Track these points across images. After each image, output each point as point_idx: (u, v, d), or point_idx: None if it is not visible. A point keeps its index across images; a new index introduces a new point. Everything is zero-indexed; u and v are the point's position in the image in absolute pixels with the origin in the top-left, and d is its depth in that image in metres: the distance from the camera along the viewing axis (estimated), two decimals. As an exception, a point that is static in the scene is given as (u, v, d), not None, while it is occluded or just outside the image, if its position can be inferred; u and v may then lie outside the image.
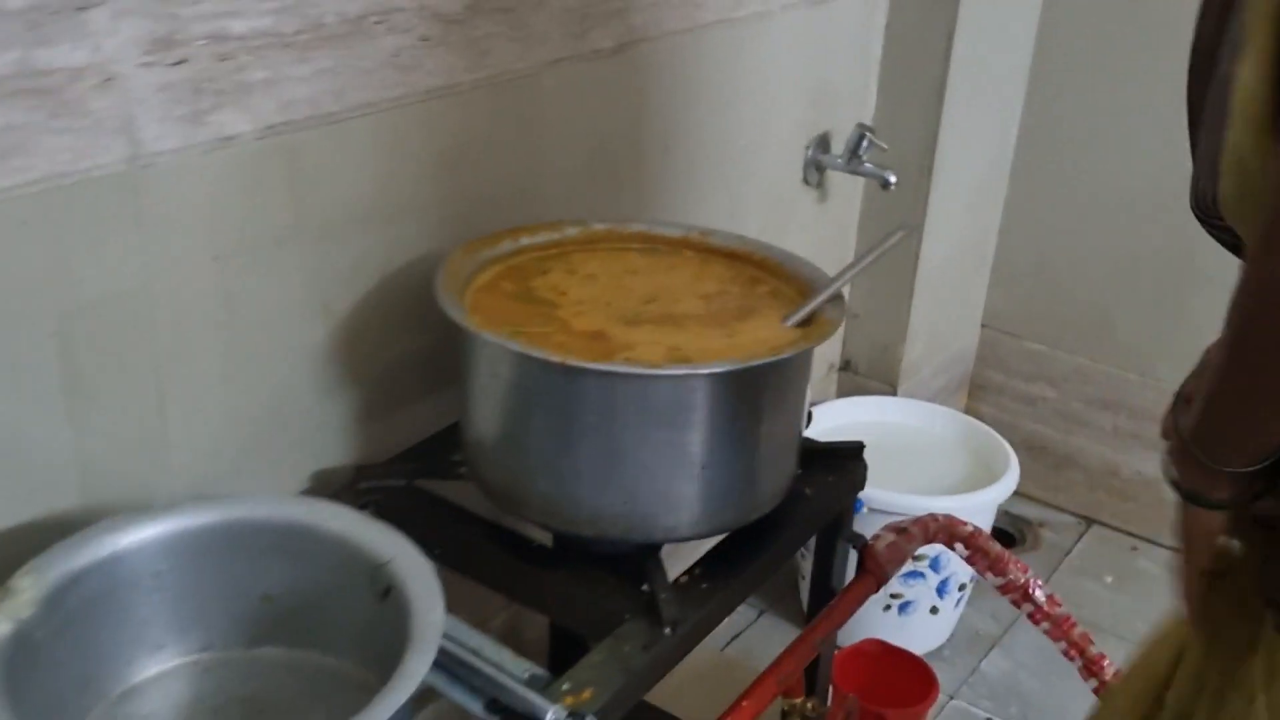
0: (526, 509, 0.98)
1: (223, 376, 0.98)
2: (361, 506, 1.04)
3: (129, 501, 0.93)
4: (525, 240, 1.12)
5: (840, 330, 2.01)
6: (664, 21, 1.34)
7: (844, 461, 1.13)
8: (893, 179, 1.69)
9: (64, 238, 0.84)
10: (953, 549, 1.28)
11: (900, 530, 1.20)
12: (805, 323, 1.01)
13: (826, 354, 2.01)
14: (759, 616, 1.88)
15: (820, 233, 1.82)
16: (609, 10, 1.26)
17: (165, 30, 0.86)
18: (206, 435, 0.98)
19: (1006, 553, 1.28)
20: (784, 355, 0.91)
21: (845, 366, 2.06)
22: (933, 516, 1.25)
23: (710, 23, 1.42)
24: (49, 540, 0.87)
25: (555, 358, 0.88)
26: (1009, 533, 2.16)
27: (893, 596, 1.76)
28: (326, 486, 1.09)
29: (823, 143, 1.73)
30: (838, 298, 1.02)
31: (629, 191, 1.38)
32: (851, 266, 1.02)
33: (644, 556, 0.97)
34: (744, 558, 1.01)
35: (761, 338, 0.97)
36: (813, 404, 1.98)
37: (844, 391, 2.06)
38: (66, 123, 0.82)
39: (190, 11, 0.87)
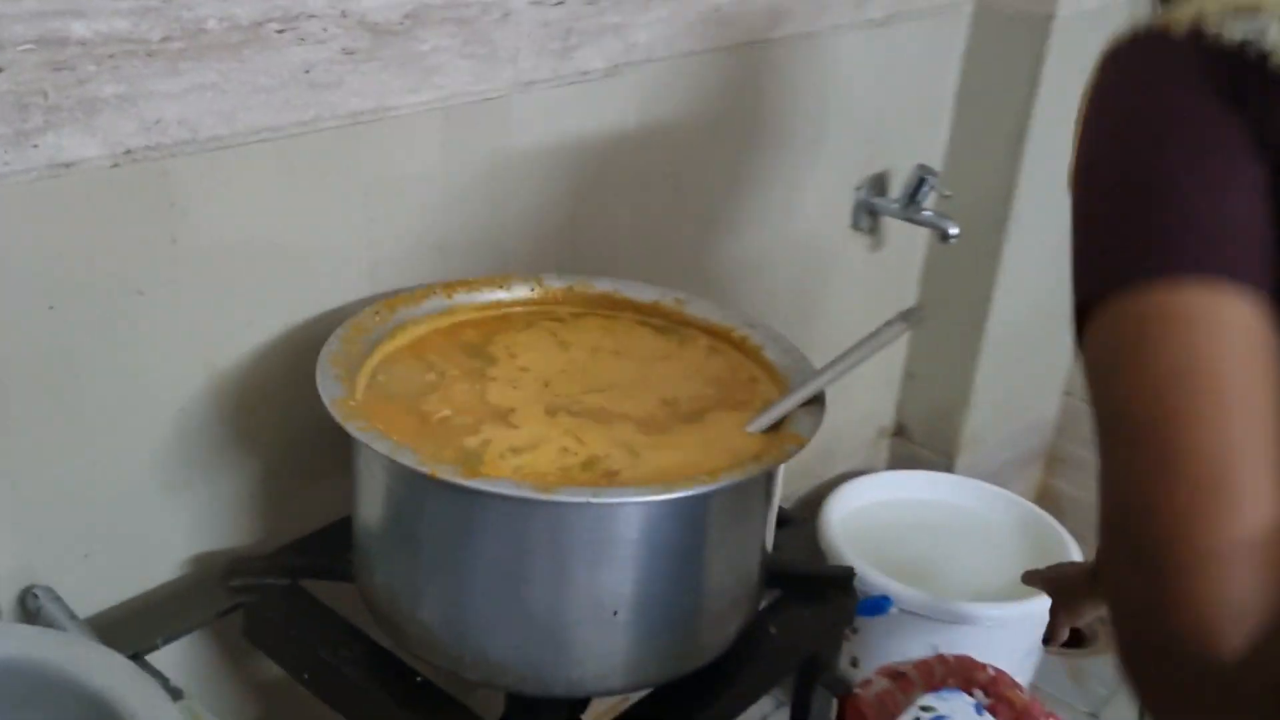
0: (406, 639, 0.79)
1: (62, 448, 0.82)
2: (232, 608, 0.87)
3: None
4: (461, 297, 0.94)
5: (894, 390, 1.79)
6: (676, 40, 1.15)
7: (826, 590, 0.92)
8: (954, 230, 1.46)
9: None
10: (970, 695, 1.06)
11: (897, 675, 0.99)
12: (775, 428, 0.80)
13: (876, 416, 1.79)
14: (776, 709, 1.67)
15: (871, 286, 1.60)
16: (602, 25, 1.07)
17: (-27, 31, 0.69)
18: (41, 521, 0.82)
19: (1035, 703, 1.05)
20: (693, 489, 0.71)
21: (898, 432, 1.83)
22: (941, 658, 1.03)
23: (738, 43, 1.22)
24: None
25: (423, 467, 0.69)
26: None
27: (923, 709, 1.53)
28: (204, 575, 0.92)
29: (877, 184, 1.52)
30: (818, 399, 0.81)
31: (627, 237, 1.18)
32: (834, 364, 0.81)
33: (545, 711, 0.78)
34: (676, 718, 0.81)
35: (704, 451, 0.77)
36: (857, 474, 1.77)
37: (896, 460, 1.83)
38: None
39: (10, 8, 0.70)
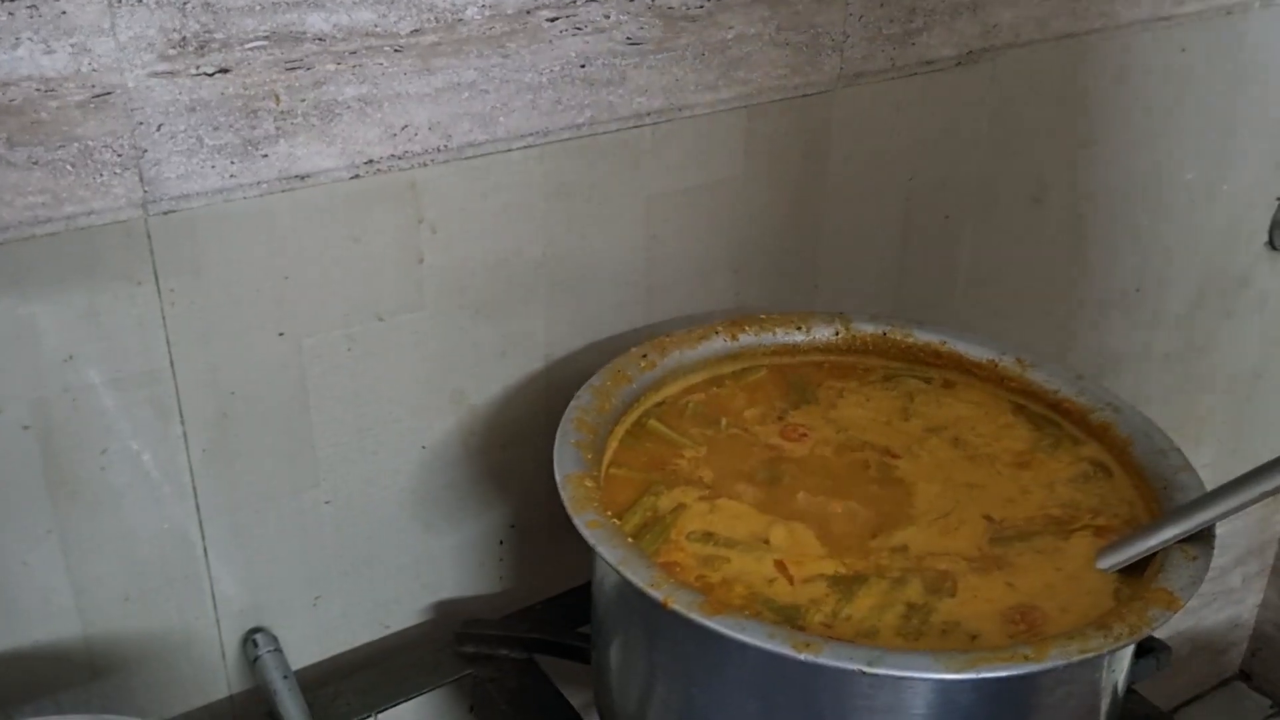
0: (635, 765, 0.66)
1: (292, 484, 0.74)
2: (459, 676, 0.77)
3: (165, 633, 0.72)
4: (748, 339, 0.78)
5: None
6: (1051, 20, 0.92)
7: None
8: None
9: (62, 297, 0.62)
10: None
11: None
12: (1138, 567, 0.60)
13: None
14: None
15: (1287, 319, 1.29)
16: (955, 3, 0.87)
17: (195, 26, 0.61)
18: (269, 561, 0.75)
19: None
20: (1005, 669, 0.51)
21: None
22: None
23: (1131, 21, 0.97)
24: (46, 672, 0.69)
25: (655, 592, 0.55)
26: None
27: None
28: (437, 630, 0.83)
29: (1308, 194, 1.21)
30: (1203, 536, 0.59)
31: (970, 266, 0.98)
32: (1230, 493, 0.58)
33: None
34: None
35: (1038, 586, 0.58)
36: None
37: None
38: (34, 154, 0.59)
39: (236, 0, 0.61)
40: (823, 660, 0.52)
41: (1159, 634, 0.72)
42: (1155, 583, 0.57)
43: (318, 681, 0.77)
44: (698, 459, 0.70)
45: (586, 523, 0.59)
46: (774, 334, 0.79)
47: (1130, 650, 0.61)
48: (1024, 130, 0.96)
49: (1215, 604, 1.53)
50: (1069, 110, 0.98)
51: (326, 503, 0.76)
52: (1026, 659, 0.51)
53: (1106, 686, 0.60)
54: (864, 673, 0.51)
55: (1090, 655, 0.52)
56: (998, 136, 0.95)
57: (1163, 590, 0.56)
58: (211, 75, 0.62)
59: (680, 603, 0.54)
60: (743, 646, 0.53)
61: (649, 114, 0.77)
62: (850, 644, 0.53)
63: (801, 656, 0.52)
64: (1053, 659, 0.52)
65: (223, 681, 0.76)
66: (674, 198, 0.80)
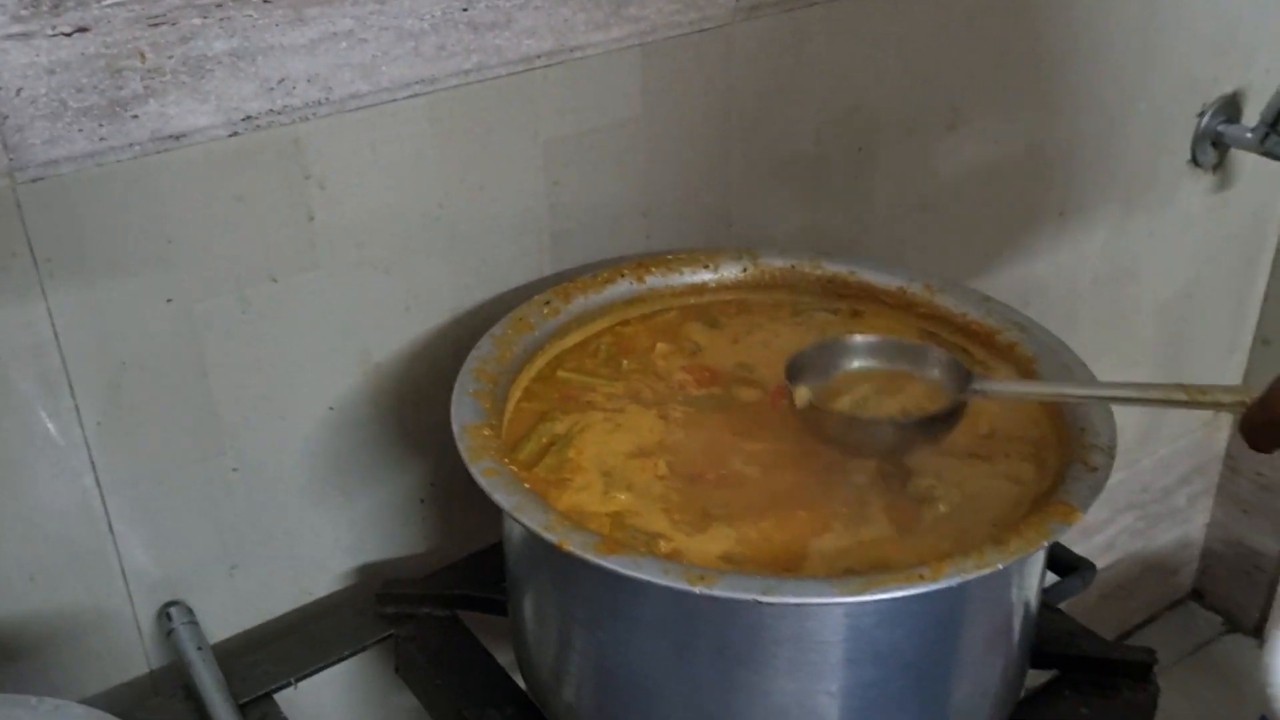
0: (552, 710, 0.65)
1: (197, 453, 0.72)
2: (384, 638, 0.76)
3: (76, 611, 0.71)
4: (655, 280, 0.77)
5: (1240, 358, 1.47)
6: (955, -59, 0.91)
7: (1116, 682, 0.70)
8: (1331, 170, 1.14)
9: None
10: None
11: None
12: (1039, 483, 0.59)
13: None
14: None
15: (1214, 236, 1.29)
16: (853, -72, 0.85)
17: (46, -15, 0.58)
18: (180, 533, 0.73)
19: None
20: (894, 590, 0.51)
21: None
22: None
23: (1040, -60, 0.96)
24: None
25: (550, 535, 0.54)
26: None
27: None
28: (359, 593, 0.82)
29: (1228, 108, 1.21)
30: (1103, 446, 0.59)
31: (885, 195, 0.97)
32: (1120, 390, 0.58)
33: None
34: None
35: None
36: None
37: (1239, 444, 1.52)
38: (-116, 125, 0.57)
39: (88, -44, 0.59)
40: (717, 592, 0.51)
41: (1090, 554, 0.72)
42: (1055, 495, 0.56)
43: (239, 651, 0.76)
44: (613, 394, 0.69)
45: (482, 470, 0.58)
46: (681, 274, 0.78)
47: (1039, 565, 0.61)
48: (934, 57, 0.95)
49: (1163, 524, 1.55)
50: (980, 35, 0.97)
51: (234, 470, 0.74)
52: (923, 579, 0.51)
53: (1017, 603, 0.60)
54: (759, 602, 0.51)
55: (987, 571, 0.51)
56: (907, 65, 0.93)
57: (1061, 503, 0.56)
58: (69, 35, 0.60)
59: (575, 544, 0.53)
60: (641, 584, 0.52)
61: (539, 56, 0.75)
62: (745, 575, 0.52)
63: (696, 590, 0.51)
64: (949, 577, 0.51)
65: (141, 657, 0.75)
66: (573, 141, 0.79)
